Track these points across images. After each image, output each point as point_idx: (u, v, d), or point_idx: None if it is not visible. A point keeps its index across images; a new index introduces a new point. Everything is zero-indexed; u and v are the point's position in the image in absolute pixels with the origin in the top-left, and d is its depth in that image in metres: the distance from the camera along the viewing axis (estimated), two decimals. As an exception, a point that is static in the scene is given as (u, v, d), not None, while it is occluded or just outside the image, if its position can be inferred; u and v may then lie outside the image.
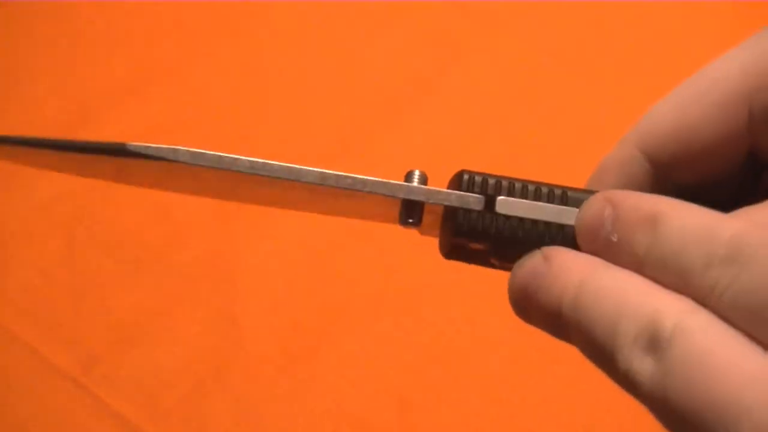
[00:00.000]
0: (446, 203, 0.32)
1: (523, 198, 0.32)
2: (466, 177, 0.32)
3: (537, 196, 0.32)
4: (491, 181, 0.32)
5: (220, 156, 0.32)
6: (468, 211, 0.32)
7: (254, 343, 0.59)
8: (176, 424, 0.56)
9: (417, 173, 0.33)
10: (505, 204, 0.32)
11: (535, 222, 0.32)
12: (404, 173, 0.33)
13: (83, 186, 0.65)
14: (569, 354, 0.56)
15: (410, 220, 0.32)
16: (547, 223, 0.32)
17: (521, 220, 0.32)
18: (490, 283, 0.61)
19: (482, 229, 0.32)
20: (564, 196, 0.32)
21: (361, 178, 0.32)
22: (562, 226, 0.31)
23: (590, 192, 0.31)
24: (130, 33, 0.72)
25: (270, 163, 0.34)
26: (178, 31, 0.71)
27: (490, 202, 0.32)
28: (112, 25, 0.72)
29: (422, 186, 0.32)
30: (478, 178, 0.32)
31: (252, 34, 0.71)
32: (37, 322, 0.60)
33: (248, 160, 0.33)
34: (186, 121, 0.68)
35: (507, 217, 0.32)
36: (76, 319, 0.60)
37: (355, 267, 0.61)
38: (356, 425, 0.57)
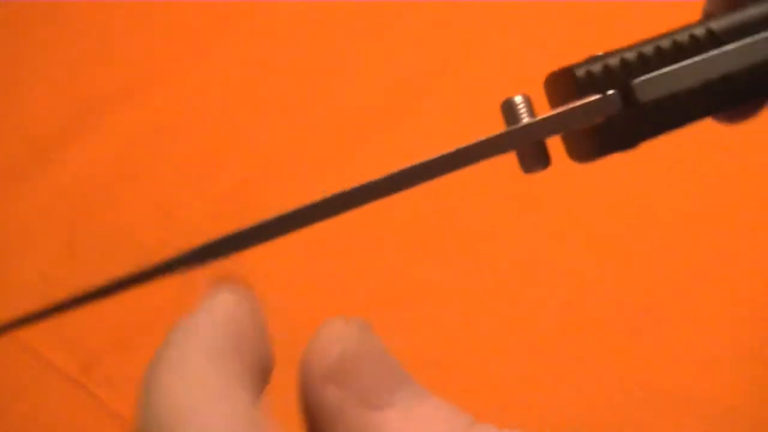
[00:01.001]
0: (579, 125, 0.25)
1: (662, 66, 0.25)
2: (580, 73, 0.25)
3: (678, 54, 0.25)
4: (613, 63, 0.25)
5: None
6: (608, 119, 0.25)
7: (254, 343, 0.59)
8: (176, 424, 0.56)
9: (519, 100, 0.25)
10: (648, 86, 0.25)
11: (691, 88, 0.25)
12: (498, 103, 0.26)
13: (83, 186, 0.65)
14: (569, 354, 0.55)
15: (539, 165, 0.25)
16: (707, 82, 0.25)
17: (674, 96, 0.25)
18: (490, 283, 0.61)
19: (633, 133, 0.25)
20: (711, 35, 0.25)
21: (464, 149, 0.25)
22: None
23: (732, 14, 0.25)
24: (130, 33, 0.72)
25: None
26: (177, 32, 0.71)
27: (628, 94, 0.25)
28: (112, 25, 0.72)
29: (538, 118, 0.25)
30: (596, 69, 0.25)
31: (252, 34, 0.71)
32: (38, 323, 0.60)
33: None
34: (186, 121, 0.68)
35: (657, 102, 0.25)
36: (76, 319, 0.60)
37: (356, 267, 0.61)
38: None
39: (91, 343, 0.59)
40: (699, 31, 0.25)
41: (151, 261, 0.29)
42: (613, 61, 0.25)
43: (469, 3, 0.71)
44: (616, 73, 0.25)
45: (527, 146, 0.25)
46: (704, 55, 0.25)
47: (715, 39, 0.25)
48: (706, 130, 0.61)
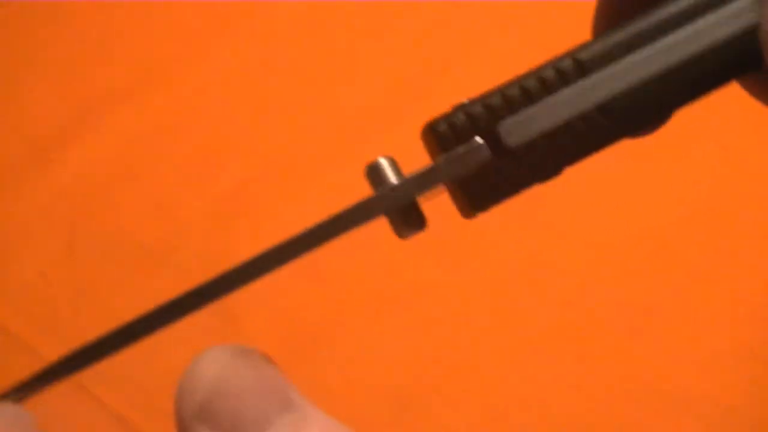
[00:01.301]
0: (446, 180, 0.24)
1: (528, 105, 0.23)
2: (441, 128, 0.24)
3: (544, 89, 0.23)
4: (476, 110, 0.24)
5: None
6: (477, 172, 0.23)
7: (254, 343, 0.59)
8: (176, 424, 0.56)
9: (383, 163, 0.24)
10: (515, 128, 0.23)
11: (565, 124, 0.23)
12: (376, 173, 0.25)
13: (83, 186, 0.65)
14: (569, 354, 0.55)
15: (412, 229, 0.24)
16: (581, 115, 0.23)
17: (547, 135, 0.23)
18: (489, 283, 0.61)
19: (507, 179, 0.24)
20: (579, 66, 0.23)
21: (330, 222, 0.24)
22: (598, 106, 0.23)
23: (600, 40, 0.23)
24: (130, 33, 0.72)
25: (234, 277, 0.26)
26: (177, 32, 0.71)
27: (493, 139, 0.23)
28: (112, 25, 0.72)
29: (404, 179, 0.24)
30: (458, 119, 0.24)
31: (252, 34, 0.71)
32: (37, 322, 0.60)
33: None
34: (186, 121, 0.68)
35: (529, 144, 0.23)
36: (76, 319, 0.60)
37: (356, 267, 0.61)
38: (356, 425, 0.57)
39: (91, 343, 0.59)
40: (565, 64, 0.24)
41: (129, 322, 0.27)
42: (477, 108, 0.24)
43: (469, 3, 0.71)
44: (481, 120, 0.23)
45: (397, 210, 0.24)
46: (570, 88, 0.23)
47: (582, 69, 0.23)
48: (706, 129, 0.62)
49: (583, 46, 0.24)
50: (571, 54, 0.24)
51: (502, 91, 0.24)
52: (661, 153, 0.60)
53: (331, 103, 0.68)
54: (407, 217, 0.24)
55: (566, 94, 0.23)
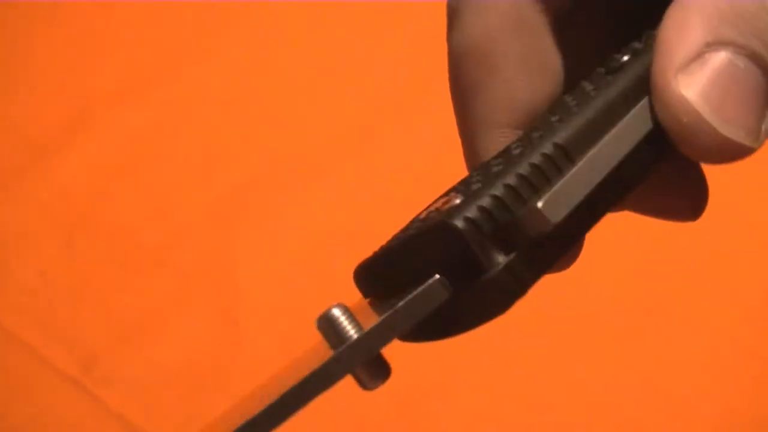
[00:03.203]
0: (405, 326, 0.22)
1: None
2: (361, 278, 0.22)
3: (510, 201, 0.21)
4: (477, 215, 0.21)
5: None
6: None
7: (254, 343, 0.59)
8: (176, 424, 0.56)
9: (336, 313, 0.22)
10: (554, 201, 0.21)
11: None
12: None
13: (83, 186, 0.65)
14: (569, 354, 0.56)
15: (378, 380, 0.22)
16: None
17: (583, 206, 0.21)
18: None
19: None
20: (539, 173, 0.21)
21: (288, 395, 0.21)
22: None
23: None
24: (130, 33, 0.72)
25: None
26: (177, 32, 0.71)
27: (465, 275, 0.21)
28: (112, 25, 0.72)
29: (364, 333, 0.21)
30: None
31: (252, 34, 0.71)
32: (37, 323, 0.60)
33: None
34: (186, 121, 0.68)
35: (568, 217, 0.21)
36: (75, 320, 0.60)
37: (355, 267, 0.61)
38: (356, 425, 0.57)
39: (91, 343, 0.59)
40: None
41: None
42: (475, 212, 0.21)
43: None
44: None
45: (363, 365, 0.22)
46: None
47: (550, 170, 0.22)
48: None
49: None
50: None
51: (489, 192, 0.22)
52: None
53: (331, 103, 0.68)
54: (371, 370, 0.22)
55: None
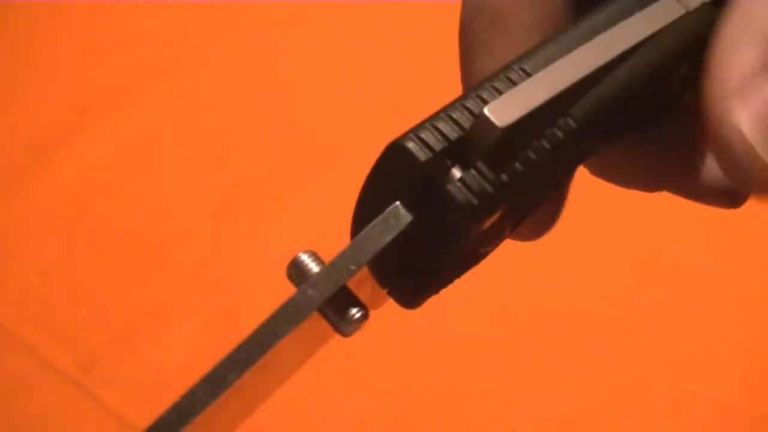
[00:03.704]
0: (367, 256, 0.21)
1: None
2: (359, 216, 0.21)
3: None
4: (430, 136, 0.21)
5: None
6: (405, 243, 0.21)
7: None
8: (176, 424, 0.56)
9: (304, 258, 0.22)
10: (501, 108, 0.20)
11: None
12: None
13: (83, 186, 0.65)
14: (569, 354, 0.55)
15: (351, 322, 0.21)
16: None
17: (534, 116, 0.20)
18: (489, 283, 0.61)
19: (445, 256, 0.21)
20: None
21: (256, 335, 0.20)
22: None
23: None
24: (130, 33, 0.72)
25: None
26: (177, 32, 0.71)
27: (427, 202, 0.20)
28: (112, 25, 0.72)
29: (327, 265, 0.21)
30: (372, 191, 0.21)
31: (252, 34, 0.71)
32: (37, 323, 0.60)
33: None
34: (186, 121, 0.68)
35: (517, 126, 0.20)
36: (75, 320, 0.60)
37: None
38: (356, 425, 0.57)
39: (91, 343, 0.59)
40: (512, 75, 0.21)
41: None
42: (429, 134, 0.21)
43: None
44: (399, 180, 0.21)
45: (328, 304, 0.21)
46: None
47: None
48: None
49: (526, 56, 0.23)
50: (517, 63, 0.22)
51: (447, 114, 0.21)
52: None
53: (330, 103, 0.68)
54: (341, 309, 0.21)
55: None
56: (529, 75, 0.21)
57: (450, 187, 0.20)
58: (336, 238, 0.67)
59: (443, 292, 0.23)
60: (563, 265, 0.59)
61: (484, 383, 0.57)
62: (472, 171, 0.20)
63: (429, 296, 0.23)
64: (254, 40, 0.71)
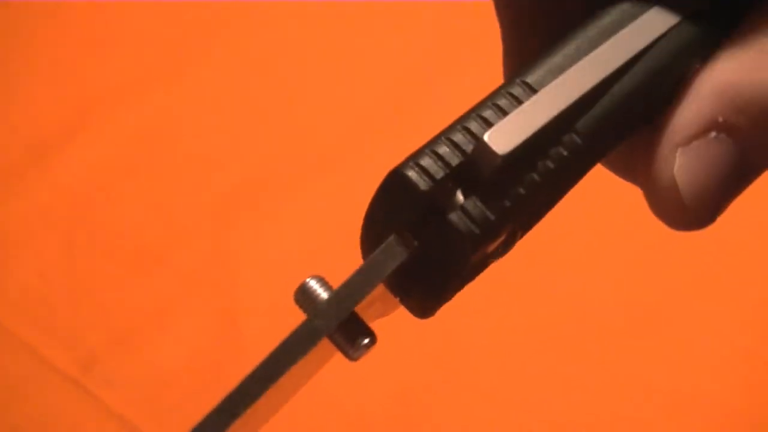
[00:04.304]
0: (371, 286, 0.21)
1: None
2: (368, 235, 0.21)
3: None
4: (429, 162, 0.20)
5: None
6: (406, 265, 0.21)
7: (254, 343, 0.59)
8: (176, 424, 0.56)
9: (312, 284, 0.22)
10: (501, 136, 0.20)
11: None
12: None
13: (83, 186, 0.65)
14: (570, 354, 0.55)
15: (359, 348, 0.22)
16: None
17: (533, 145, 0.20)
18: (489, 283, 0.61)
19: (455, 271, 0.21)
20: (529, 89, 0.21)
21: (273, 360, 0.21)
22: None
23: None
24: (130, 33, 0.72)
25: None
26: (177, 32, 0.71)
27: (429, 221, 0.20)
28: (112, 25, 0.72)
29: (333, 293, 0.22)
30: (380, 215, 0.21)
31: (252, 34, 0.71)
32: (37, 323, 0.60)
33: None
34: (186, 121, 0.68)
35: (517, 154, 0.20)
36: (75, 320, 0.60)
37: (355, 267, 0.61)
38: (356, 425, 0.57)
39: (91, 343, 0.59)
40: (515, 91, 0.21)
41: None
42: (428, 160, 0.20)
43: (469, 3, 0.71)
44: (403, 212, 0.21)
45: (338, 330, 0.21)
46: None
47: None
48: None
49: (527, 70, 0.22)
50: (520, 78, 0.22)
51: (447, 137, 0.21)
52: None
53: (331, 103, 0.68)
54: (350, 335, 0.21)
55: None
56: (531, 88, 0.21)
57: (452, 216, 0.20)
58: (336, 238, 0.67)
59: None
60: (563, 265, 0.59)
61: (484, 383, 0.57)
62: (474, 198, 0.20)
63: (441, 306, 0.23)
64: (254, 40, 0.71)
